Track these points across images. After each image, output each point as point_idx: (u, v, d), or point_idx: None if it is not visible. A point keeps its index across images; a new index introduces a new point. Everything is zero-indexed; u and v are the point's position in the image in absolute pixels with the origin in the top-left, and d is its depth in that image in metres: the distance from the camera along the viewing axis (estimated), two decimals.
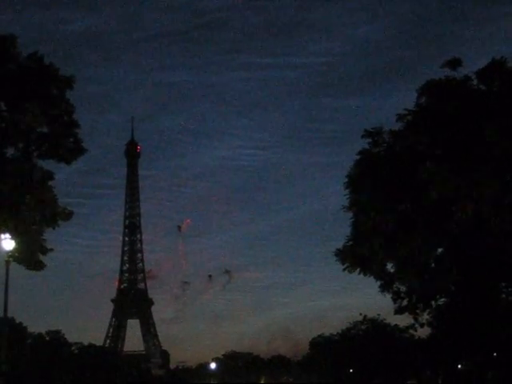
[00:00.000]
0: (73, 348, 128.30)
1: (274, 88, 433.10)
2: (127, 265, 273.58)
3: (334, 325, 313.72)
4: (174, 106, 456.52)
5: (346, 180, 33.92)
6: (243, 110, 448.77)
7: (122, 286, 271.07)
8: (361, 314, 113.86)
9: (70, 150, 30.14)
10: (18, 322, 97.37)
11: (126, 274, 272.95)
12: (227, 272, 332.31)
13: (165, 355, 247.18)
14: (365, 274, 35.75)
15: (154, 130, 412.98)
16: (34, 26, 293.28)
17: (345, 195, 34.66)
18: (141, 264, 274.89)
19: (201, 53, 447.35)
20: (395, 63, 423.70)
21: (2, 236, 30.20)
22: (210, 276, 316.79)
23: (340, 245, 35.78)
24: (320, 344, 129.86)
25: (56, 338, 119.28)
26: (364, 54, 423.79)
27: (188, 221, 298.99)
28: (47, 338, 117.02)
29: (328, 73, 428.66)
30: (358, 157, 33.53)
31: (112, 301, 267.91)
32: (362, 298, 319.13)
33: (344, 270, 35.63)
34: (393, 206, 31.90)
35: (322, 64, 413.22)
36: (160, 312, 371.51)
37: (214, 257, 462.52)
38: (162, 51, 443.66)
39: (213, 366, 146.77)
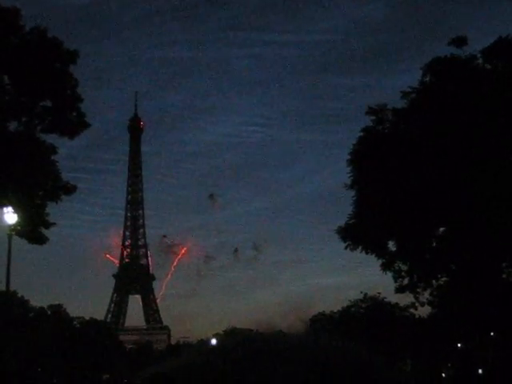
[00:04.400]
0: (74, 322, 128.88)
1: (277, 65, 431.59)
2: (129, 240, 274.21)
3: (334, 303, 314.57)
4: (176, 82, 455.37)
5: (349, 158, 33.85)
6: (245, 87, 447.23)
7: (123, 262, 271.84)
8: (361, 293, 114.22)
9: (73, 124, 30.08)
10: (20, 295, 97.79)
11: (128, 250, 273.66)
12: (256, 246, 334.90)
13: (166, 331, 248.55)
14: (366, 253, 35.80)
15: (156, 106, 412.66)
16: (35, 0, 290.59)
17: (347, 173, 34.62)
18: (143, 239, 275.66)
19: (203, 29, 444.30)
20: (399, 42, 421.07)
21: (5, 210, 30.25)
22: (235, 250, 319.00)
23: (342, 223, 35.81)
24: (320, 321, 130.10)
25: (58, 312, 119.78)
26: (367, 32, 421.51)
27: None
28: (49, 312, 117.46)
29: (331, 51, 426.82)
30: (361, 134, 33.46)
31: (114, 276, 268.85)
32: (363, 277, 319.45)
33: (346, 248, 35.68)
34: (395, 184, 31.89)
35: (325, 42, 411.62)
36: (173, 288, 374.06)
37: (214, 234, 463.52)
38: (164, 27, 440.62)
39: (213, 341, 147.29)
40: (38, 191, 30.52)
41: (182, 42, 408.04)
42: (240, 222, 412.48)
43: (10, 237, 31.21)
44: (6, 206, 30.00)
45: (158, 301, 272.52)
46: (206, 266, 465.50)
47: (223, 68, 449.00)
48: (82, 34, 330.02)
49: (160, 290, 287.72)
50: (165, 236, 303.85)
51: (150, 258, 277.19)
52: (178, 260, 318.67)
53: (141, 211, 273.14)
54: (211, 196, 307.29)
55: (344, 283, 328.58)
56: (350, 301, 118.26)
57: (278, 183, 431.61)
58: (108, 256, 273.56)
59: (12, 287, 34.26)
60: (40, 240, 31.43)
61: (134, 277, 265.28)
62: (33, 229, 30.95)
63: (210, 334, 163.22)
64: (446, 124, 29.65)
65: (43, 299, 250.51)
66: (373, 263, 37.52)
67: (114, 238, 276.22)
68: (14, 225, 30.11)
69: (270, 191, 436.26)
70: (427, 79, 31.26)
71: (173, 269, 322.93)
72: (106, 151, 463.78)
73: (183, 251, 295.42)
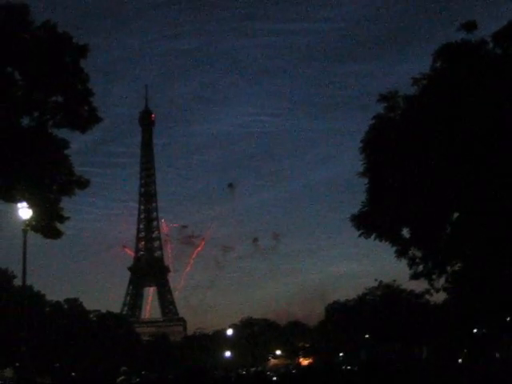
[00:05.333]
0: (91, 315, 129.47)
1: (287, 54, 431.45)
2: (143, 233, 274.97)
3: (349, 291, 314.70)
4: (186, 73, 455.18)
5: (361, 145, 33.82)
6: (256, 76, 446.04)
7: (138, 254, 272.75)
8: (376, 280, 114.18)
9: (85, 118, 30.16)
10: (36, 290, 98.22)
11: (143, 242, 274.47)
12: (275, 235, 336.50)
13: (182, 322, 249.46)
14: (380, 240, 35.78)
15: (166, 98, 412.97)
16: None
17: (360, 161, 34.60)
18: (157, 232, 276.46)
19: (212, 20, 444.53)
20: (409, 28, 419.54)
21: (19, 205, 30.45)
22: (254, 240, 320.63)
23: (355, 211, 35.80)
24: (335, 310, 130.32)
25: (74, 305, 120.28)
26: (377, 19, 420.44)
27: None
28: (65, 306, 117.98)
29: (341, 38, 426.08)
30: (372, 121, 33.40)
31: (129, 269, 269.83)
32: (378, 264, 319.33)
33: (359, 236, 35.67)
34: (408, 170, 31.84)
35: (334, 30, 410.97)
36: (191, 279, 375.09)
37: (228, 224, 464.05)
38: (174, 18, 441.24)
39: (229, 332, 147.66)
40: (51, 186, 30.65)
41: (192, 33, 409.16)
42: (255, 212, 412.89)
43: (25, 232, 31.44)
44: (21, 201, 30.20)
45: (176, 292, 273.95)
46: (224, 257, 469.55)
47: (234, 58, 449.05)
48: (91, 27, 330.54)
49: (178, 281, 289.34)
50: (184, 226, 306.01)
51: (166, 250, 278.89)
52: (197, 252, 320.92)
53: (154, 204, 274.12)
54: (230, 185, 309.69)
55: (359, 271, 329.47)
56: (365, 288, 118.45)
57: (290, 172, 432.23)
58: (126, 249, 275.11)
59: (28, 282, 34.45)
60: (55, 234, 31.57)
61: (148, 269, 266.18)
62: (48, 223, 31.09)
63: (226, 324, 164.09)
64: (458, 109, 29.55)
65: (59, 293, 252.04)
66: (387, 250, 37.56)
67: (129, 232, 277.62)
68: (28, 220, 30.32)
69: (283, 180, 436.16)
70: (438, 65, 31.14)
71: (191, 260, 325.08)
72: (117, 145, 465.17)
73: (202, 243, 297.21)
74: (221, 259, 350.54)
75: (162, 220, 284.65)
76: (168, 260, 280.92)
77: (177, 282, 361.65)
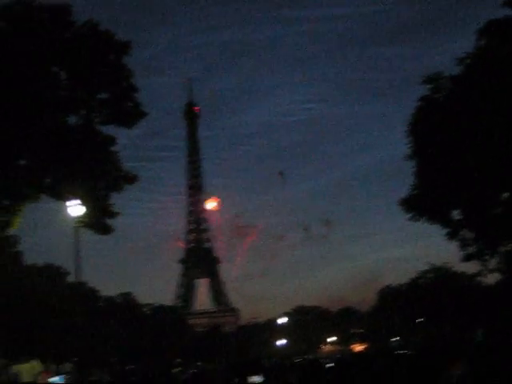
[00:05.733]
0: (144, 309, 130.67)
1: (328, 40, 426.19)
2: (192, 225, 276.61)
3: (401, 275, 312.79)
4: (227, 65, 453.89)
5: (407, 128, 33.58)
6: (295, 64, 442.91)
7: (188, 246, 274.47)
8: (428, 263, 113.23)
9: (130, 114, 30.44)
10: (90, 286, 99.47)
11: (192, 234, 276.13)
12: (327, 222, 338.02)
13: (235, 312, 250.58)
14: (430, 223, 35.56)
15: (210, 90, 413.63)
16: None
17: (406, 144, 34.37)
18: (205, 223, 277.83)
19: (251, 10, 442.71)
20: (451, 8, 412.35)
21: (70, 202, 30.89)
22: (306, 228, 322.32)
23: (404, 194, 35.61)
24: (388, 294, 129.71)
25: (127, 300, 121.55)
26: (416, 1, 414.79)
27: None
28: (119, 301, 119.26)
29: (379, 22, 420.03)
30: (418, 103, 33.13)
31: (180, 261, 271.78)
32: (428, 248, 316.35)
33: (410, 219, 35.48)
34: (456, 152, 31.52)
35: (373, 13, 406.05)
36: (244, 269, 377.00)
37: (279, 213, 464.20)
38: (213, 10, 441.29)
39: (282, 320, 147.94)
40: (100, 183, 31.02)
41: (232, 23, 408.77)
42: (305, 200, 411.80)
43: (76, 229, 31.89)
44: (70, 199, 30.63)
45: (229, 283, 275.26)
46: (276, 246, 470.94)
47: (274, 47, 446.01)
48: (132, 23, 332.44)
49: (231, 272, 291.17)
50: (236, 216, 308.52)
51: (218, 241, 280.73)
52: (249, 243, 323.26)
53: (202, 195, 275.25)
54: (281, 173, 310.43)
55: (410, 255, 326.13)
56: (417, 272, 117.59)
57: (336, 158, 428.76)
58: (179, 242, 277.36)
59: (82, 278, 34.94)
60: (106, 230, 31.95)
61: (199, 261, 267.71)
62: (98, 220, 31.50)
63: (279, 313, 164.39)
64: (504, 87, 29.13)
65: (112, 288, 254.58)
66: (437, 233, 37.28)
67: (178, 224, 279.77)
68: (80, 217, 30.75)
69: (330, 167, 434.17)
70: (482, 43, 30.73)
71: (244, 251, 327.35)
72: (163, 138, 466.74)
73: (254, 233, 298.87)
74: (273, 248, 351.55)
75: (213, 209, 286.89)
76: (220, 250, 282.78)
77: (230, 272, 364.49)
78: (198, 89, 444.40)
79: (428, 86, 32.93)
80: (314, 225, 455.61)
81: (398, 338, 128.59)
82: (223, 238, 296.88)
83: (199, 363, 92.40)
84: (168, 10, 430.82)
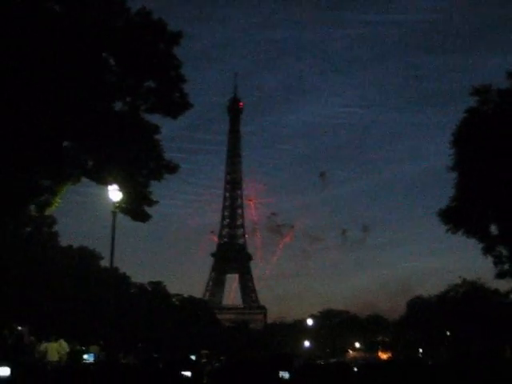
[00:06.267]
0: (173, 299, 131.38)
1: (377, 45, 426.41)
2: (227, 220, 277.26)
3: (433, 286, 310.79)
4: (274, 63, 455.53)
5: (452, 139, 33.33)
6: (345, 67, 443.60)
7: (222, 241, 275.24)
8: (460, 277, 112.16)
9: (176, 104, 30.58)
10: (122, 272, 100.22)
11: (227, 229, 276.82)
12: (365, 227, 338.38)
13: (263, 310, 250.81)
14: (467, 236, 35.26)
15: (255, 86, 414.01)
16: None
17: (449, 155, 34.13)
18: (241, 220, 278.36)
19: (302, 10, 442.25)
20: (502, 20, 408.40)
21: (110, 187, 31.14)
22: (343, 231, 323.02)
23: (443, 205, 35.36)
24: (417, 305, 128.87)
25: (157, 288, 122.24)
26: (469, 10, 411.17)
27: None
28: (149, 289, 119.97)
29: (431, 30, 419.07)
30: (465, 115, 32.85)
31: (212, 255, 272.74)
32: (463, 261, 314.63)
33: (447, 231, 35.22)
34: (499, 166, 31.21)
35: (425, 21, 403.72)
36: (277, 267, 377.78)
37: (315, 214, 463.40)
38: (264, 8, 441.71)
39: (309, 322, 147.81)
40: (141, 170, 31.24)
41: (283, 22, 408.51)
42: (343, 203, 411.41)
43: (114, 214, 32.13)
44: (111, 183, 30.88)
45: (261, 281, 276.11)
46: (312, 247, 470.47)
47: (323, 49, 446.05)
48: (184, 15, 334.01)
49: (264, 269, 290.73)
50: (273, 214, 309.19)
51: (254, 237, 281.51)
52: (285, 242, 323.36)
53: (239, 191, 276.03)
54: (322, 174, 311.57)
55: (444, 267, 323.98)
56: (448, 285, 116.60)
57: (377, 165, 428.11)
58: (213, 235, 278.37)
59: (114, 264, 35.20)
60: (143, 217, 32.15)
61: (231, 256, 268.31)
62: (137, 206, 31.72)
63: (307, 314, 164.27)
64: None
65: (143, 276, 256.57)
66: (474, 247, 36.97)
67: (213, 218, 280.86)
68: (118, 202, 30.98)
69: (371, 173, 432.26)
70: None
71: (279, 250, 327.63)
72: (205, 131, 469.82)
73: (290, 233, 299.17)
74: (308, 249, 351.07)
75: (251, 202, 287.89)
76: (254, 248, 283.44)
77: (262, 269, 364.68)
78: (243, 85, 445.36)
79: (475, 98, 32.65)
80: (352, 229, 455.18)
81: (421, 350, 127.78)
82: (258, 235, 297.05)
83: (222, 358, 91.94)
84: (220, 4, 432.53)
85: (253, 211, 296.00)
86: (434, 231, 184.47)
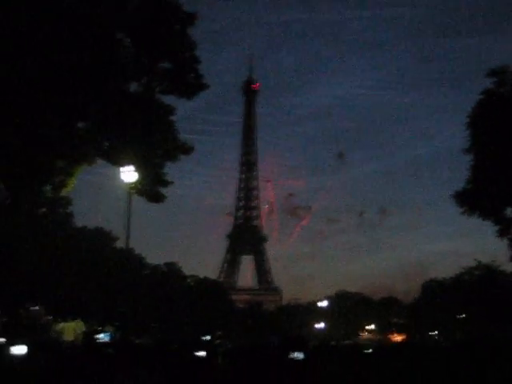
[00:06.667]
0: (188, 280, 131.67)
1: (392, 27, 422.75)
2: (243, 201, 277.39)
3: (448, 269, 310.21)
4: (290, 44, 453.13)
5: (468, 120, 33.08)
6: (359, 49, 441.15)
7: (236, 222, 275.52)
8: (475, 260, 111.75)
9: (191, 85, 30.51)
10: (137, 252, 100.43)
11: (242, 211, 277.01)
12: (382, 210, 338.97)
13: (277, 291, 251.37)
14: (483, 219, 35.09)
15: (270, 68, 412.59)
16: None
17: (464, 137, 33.91)
18: (256, 201, 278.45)
19: None
20: None
21: (124, 168, 31.18)
22: (360, 214, 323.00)
23: (458, 187, 35.19)
24: (432, 288, 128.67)
25: (172, 269, 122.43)
26: None
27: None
28: (164, 270, 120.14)
29: (448, 12, 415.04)
30: (481, 97, 32.58)
31: (227, 236, 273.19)
32: (477, 244, 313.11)
33: (462, 213, 35.06)
34: None
35: (441, 2, 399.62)
36: (293, 248, 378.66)
37: (330, 195, 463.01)
38: None
39: (323, 304, 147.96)
40: (156, 151, 31.23)
41: (297, 3, 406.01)
42: (358, 185, 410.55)
43: (129, 194, 32.18)
44: (127, 164, 30.92)
45: (275, 261, 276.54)
46: (328, 228, 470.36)
47: (338, 30, 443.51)
48: None
49: (280, 250, 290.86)
50: (290, 195, 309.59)
51: (266, 219, 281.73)
52: (301, 224, 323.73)
53: (254, 173, 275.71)
54: (341, 155, 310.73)
55: (459, 249, 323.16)
56: (463, 268, 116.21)
57: (392, 146, 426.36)
58: (228, 216, 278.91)
59: (130, 245, 35.31)
60: (158, 198, 32.17)
61: (246, 238, 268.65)
62: (152, 187, 31.73)
63: (321, 296, 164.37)
64: None
65: (158, 257, 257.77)
66: (489, 230, 36.81)
67: (228, 200, 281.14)
68: (133, 183, 31.00)
69: (385, 154, 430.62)
70: None
71: (295, 232, 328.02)
72: (220, 113, 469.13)
73: (307, 216, 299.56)
74: (324, 231, 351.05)
75: (269, 183, 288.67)
76: (269, 229, 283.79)
77: (277, 251, 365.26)
78: (259, 66, 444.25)
79: (492, 80, 32.36)
80: (368, 211, 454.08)
81: (435, 332, 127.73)
82: (274, 216, 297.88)
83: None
84: None
85: (270, 192, 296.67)
86: (450, 213, 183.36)
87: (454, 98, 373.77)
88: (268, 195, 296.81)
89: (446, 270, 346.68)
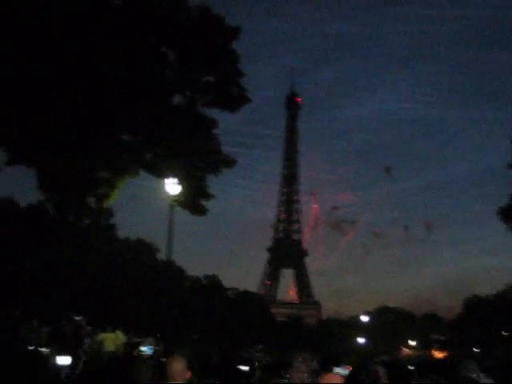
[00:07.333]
0: (229, 293, 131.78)
1: (436, 40, 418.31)
2: (284, 215, 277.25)
3: (491, 286, 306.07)
4: (332, 58, 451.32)
5: None
6: (403, 63, 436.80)
7: (277, 236, 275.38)
8: None
9: (234, 98, 30.72)
10: (178, 265, 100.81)
11: (283, 224, 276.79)
12: (428, 224, 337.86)
13: (317, 306, 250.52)
14: None
15: (312, 81, 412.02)
16: None
17: (510, 152, 33.64)
18: (297, 215, 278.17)
19: (360, 4, 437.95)
20: None
21: (168, 181, 31.36)
22: (406, 229, 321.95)
23: (503, 203, 34.90)
24: (474, 304, 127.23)
25: (212, 282, 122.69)
26: None
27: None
28: (204, 282, 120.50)
29: (494, 25, 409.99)
30: None
31: (267, 250, 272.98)
32: None
33: (507, 229, 34.76)
34: None
35: (487, 16, 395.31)
36: (337, 263, 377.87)
37: (366, 212, 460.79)
38: (320, 2, 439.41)
39: (364, 318, 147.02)
40: (199, 164, 31.45)
41: (339, 17, 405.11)
42: (404, 200, 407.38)
43: (172, 207, 32.36)
44: (169, 177, 31.11)
45: (317, 276, 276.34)
46: (373, 243, 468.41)
47: (381, 44, 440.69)
48: (243, 10, 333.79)
49: (321, 264, 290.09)
50: (335, 208, 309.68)
51: (308, 233, 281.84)
52: (346, 239, 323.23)
53: (296, 186, 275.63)
54: (388, 169, 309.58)
55: (504, 266, 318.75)
56: (505, 285, 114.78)
57: (437, 161, 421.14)
58: (269, 231, 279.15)
59: (171, 257, 35.44)
60: (201, 211, 32.42)
61: (286, 251, 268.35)
62: (194, 200, 31.95)
63: (362, 311, 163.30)
64: None
65: (199, 270, 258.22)
66: None
67: (270, 213, 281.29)
68: (176, 196, 31.17)
69: (430, 169, 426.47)
70: None
71: (339, 246, 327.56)
72: (262, 126, 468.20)
73: (351, 229, 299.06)
74: (369, 245, 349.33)
75: (313, 196, 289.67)
76: (311, 243, 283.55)
77: (322, 265, 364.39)
78: (300, 80, 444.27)
79: None
80: (414, 225, 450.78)
81: (478, 350, 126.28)
82: (318, 230, 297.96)
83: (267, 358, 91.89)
84: (276, 0, 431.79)
85: (314, 206, 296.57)
86: (496, 229, 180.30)
87: (501, 113, 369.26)
88: (313, 209, 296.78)
89: (489, 286, 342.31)
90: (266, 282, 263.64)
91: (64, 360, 14.48)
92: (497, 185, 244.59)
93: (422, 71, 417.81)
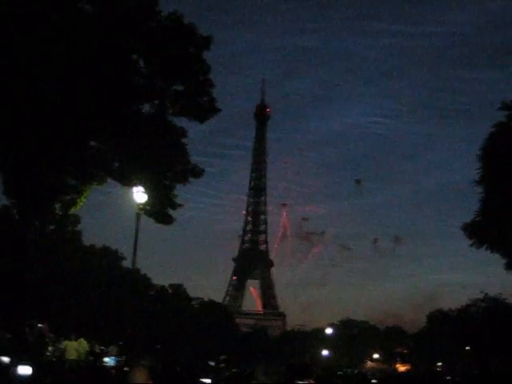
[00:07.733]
0: (193, 302, 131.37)
1: (405, 57, 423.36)
2: (250, 226, 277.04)
3: (454, 300, 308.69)
4: (302, 70, 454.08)
5: (480, 153, 33.09)
6: (371, 77, 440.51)
7: (244, 246, 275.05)
8: (482, 292, 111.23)
9: (204, 108, 30.64)
10: (143, 273, 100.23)
11: (249, 235, 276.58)
12: (397, 238, 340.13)
13: (282, 317, 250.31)
14: (491, 251, 34.99)
15: (281, 93, 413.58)
16: None
17: (476, 169, 33.89)
18: (264, 226, 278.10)
19: (331, 18, 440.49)
20: None
21: (135, 189, 31.20)
22: (375, 240, 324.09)
23: (467, 219, 35.13)
24: (437, 318, 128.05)
25: (178, 291, 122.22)
26: (499, 26, 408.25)
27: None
28: (170, 291, 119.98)
29: (461, 44, 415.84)
30: (493, 130, 32.63)
31: (233, 260, 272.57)
32: (485, 276, 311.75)
33: (471, 245, 34.98)
34: None
35: (455, 34, 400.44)
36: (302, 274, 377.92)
37: (334, 224, 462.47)
38: (293, 15, 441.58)
39: (328, 331, 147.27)
40: (167, 173, 31.32)
41: (310, 30, 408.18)
42: (371, 213, 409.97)
43: (138, 216, 32.19)
44: (137, 185, 30.95)
45: (283, 287, 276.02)
46: (341, 255, 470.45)
47: (351, 58, 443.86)
48: (214, 20, 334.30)
49: (287, 276, 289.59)
50: (304, 219, 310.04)
51: (274, 244, 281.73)
52: (314, 252, 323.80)
53: (263, 197, 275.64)
54: (358, 181, 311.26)
55: (466, 281, 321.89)
56: (469, 299, 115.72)
57: (401, 176, 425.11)
58: (235, 242, 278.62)
59: (136, 265, 35.22)
60: (167, 220, 32.25)
61: (252, 262, 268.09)
62: (161, 209, 31.80)
63: (327, 323, 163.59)
64: None
65: (164, 278, 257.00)
66: (497, 263, 36.67)
67: (236, 223, 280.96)
68: (143, 204, 30.99)
69: (394, 184, 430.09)
70: None
71: (307, 257, 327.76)
72: (230, 137, 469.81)
73: (319, 241, 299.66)
74: (337, 257, 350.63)
75: (284, 212, 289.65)
76: (278, 254, 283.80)
77: (289, 277, 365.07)
78: (271, 91, 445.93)
79: (504, 113, 32.42)
80: (382, 239, 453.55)
81: (440, 363, 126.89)
82: (285, 241, 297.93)
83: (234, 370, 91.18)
84: (249, 11, 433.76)
85: (283, 217, 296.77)
86: (460, 244, 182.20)
87: (466, 129, 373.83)
88: (281, 220, 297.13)
89: (453, 301, 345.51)
90: (232, 292, 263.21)
91: (25, 370, 14.27)
92: (463, 200, 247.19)
93: (389, 86, 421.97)
